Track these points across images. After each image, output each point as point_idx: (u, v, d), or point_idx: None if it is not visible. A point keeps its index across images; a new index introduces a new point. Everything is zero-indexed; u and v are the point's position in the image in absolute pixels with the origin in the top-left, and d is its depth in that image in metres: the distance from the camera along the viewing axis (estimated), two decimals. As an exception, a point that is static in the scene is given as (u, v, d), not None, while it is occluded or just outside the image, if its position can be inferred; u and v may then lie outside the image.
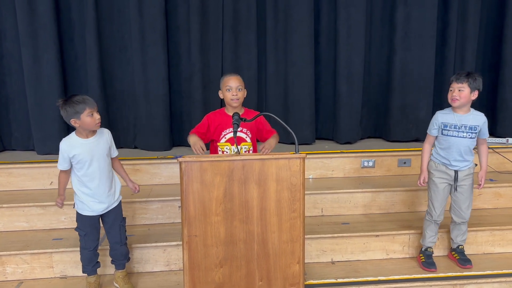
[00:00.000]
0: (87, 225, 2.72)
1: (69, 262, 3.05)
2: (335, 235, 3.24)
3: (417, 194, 3.65)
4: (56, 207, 3.34)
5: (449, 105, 2.97)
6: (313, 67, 4.43)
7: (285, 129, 2.47)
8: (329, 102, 4.62)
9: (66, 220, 3.37)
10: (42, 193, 3.61)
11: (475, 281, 2.99)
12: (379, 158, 4.01)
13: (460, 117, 2.91)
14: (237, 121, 2.61)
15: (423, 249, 3.15)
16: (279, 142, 4.46)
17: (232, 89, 2.84)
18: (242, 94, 2.88)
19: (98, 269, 2.87)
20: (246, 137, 2.91)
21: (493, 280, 3.00)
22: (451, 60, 4.55)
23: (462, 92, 2.83)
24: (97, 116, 2.59)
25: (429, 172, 3.05)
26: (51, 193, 3.59)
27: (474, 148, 2.99)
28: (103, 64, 4.20)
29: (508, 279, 3.01)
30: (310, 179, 3.90)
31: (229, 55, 4.33)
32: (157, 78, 4.21)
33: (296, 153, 2.32)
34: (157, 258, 3.13)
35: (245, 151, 2.88)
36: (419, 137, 4.56)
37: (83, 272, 2.84)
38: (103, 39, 4.18)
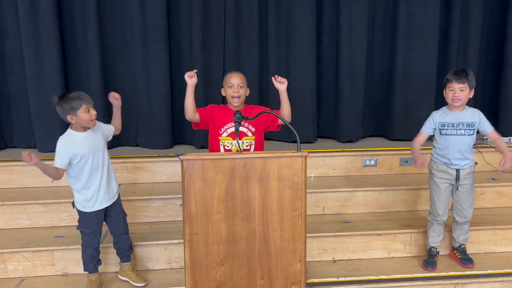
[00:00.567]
0: (92, 223, 2.72)
1: (71, 260, 3.05)
2: (337, 233, 3.24)
3: (418, 193, 3.64)
4: (57, 204, 3.37)
5: (444, 105, 2.98)
6: (315, 65, 4.43)
7: (287, 128, 2.47)
8: (331, 101, 4.62)
9: (68, 218, 3.37)
10: (43, 191, 3.61)
11: (476, 280, 2.98)
12: (381, 157, 4.01)
13: (456, 115, 2.90)
14: (239, 119, 2.60)
15: (427, 249, 3.15)
16: (280, 141, 4.52)
17: (234, 86, 2.85)
18: (244, 92, 2.88)
19: (99, 267, 2.87)
20: (247, 132, 2.91)
21: (495, 279, 3.00)
22: (453, 59, 4.54)
23: (463, 92, 2.83)
24: (93, 112, 2.60)
25: (430, 172, 3.04)
26: (52, 190, 3.59)
27: (474, 146, 2.99)
28: (104, 61, 4.20)
29: (510, 278, 3.00)
30: (312, 178, 3.90)
31: (231, 53, 4.32)
32: (158, 76, 4.21)
33: (298, 151, 2.31)
34: (158, 256, 3.13)
35: (246, 146, 2.88)
36: (421, 136, 4.54)
37: (85, 270, 2.85)
38: (105, 36, 4.18)
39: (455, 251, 3.17)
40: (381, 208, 3.64)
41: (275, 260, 2.37)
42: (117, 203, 2.83)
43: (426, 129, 2.97)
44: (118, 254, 2.93)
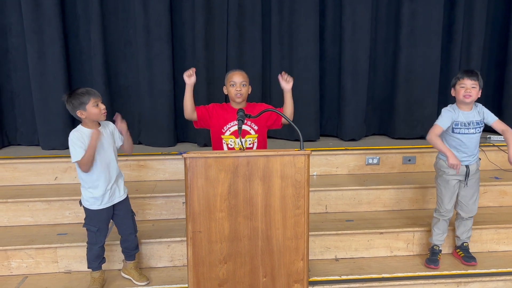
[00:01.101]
0: (99, 220, 2.73)
1: (74, 257, 3.06)
2: (339, 232, 3.24)
3: (421, 192, 3.64)
4: (61, 202, 3.38)
5: (452, 102, 2.97)
6: (318, 63, 4.42)
7: (289, 126, 2.47)
8: (333, 99, 4.61)
9: (71, 216, 3.38)
10: (47, 188, 3.62)
11: (479, 279, 2.98)
12: (384, 155, 4.00)
13: (467, 114, 2.91)
14: (242, 117, 2.61)
15: (430, 247, 3.15)
16: (283, 139, 4.51)
17: (236, 84, 2.85)
18: (246, 90, 2.89)
19: (102, 265, 2.88)
20: (250, 130, 2.91)
21: (498, 278, 2.99)
22: (457, 57, 4.52)
23: (474, 89, 2.84)
24: (102, 106, 2.62)
25: (439, 170, 3.02)
26: (56, 188, 3.60)
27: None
28: (107, 59, 4.20)
29: (512, 277, 3.00)
30: (314, 176, 3.90)
31: (234, 51, 4.32)
32: (161, 73, 4.21)
33: (301, 149, 2.31)
34: (161, 254, 3.14)
35: (249, 144, 2.88)
36: (424, 134, 4.48)
37: (89, 267, 2.85)
38: (108, 34, 4.18)
39: (458, 250, 3.17)
40: (384, 206, 3.63)
41: (277, 258, 2.38)
42: (125, 202, 2.84)
43: (444, 123, 2.90)
44: (123, 252, 2.94)
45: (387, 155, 4.01)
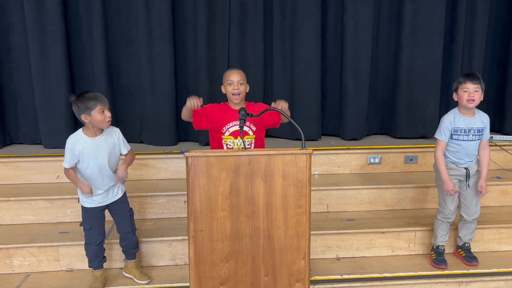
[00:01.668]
0: (92, 218, 2.74)
1: (76, 256, 3.07)
2: (341, 231, 3.24)
3: (423, 191, 3.64)
4: (62, 201, 3.39)
5: (454, 106, 2.97)
6: (320, 62, 4.42)
7: (291, 125, 2.47)
8: (335, 98, 4.61)
9: (73, 214, 3.39)
10: (49, 187, 3.63)
11: (481, 278, 2.98)
12: (386, 155, 4.00)
13: (468, 121, 2.89)
14: (244, 116, 2.61)
15: (434, 247, 3.14)
16: (284, 138, 4.52)
17: (234, 83, 2.86)
18: (244, 89, 2.89)
19: (104, 264, 2.89)
20: (249, 130, 2.91)
21: (499, 278, 2.99)
22: (458, 57, 4.52)
23: (477, 92, 2.82)
24: (107, 114, 2.59)
25: (439, 171, 3.02)
26: (57, 186, 3.61)
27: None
28: (110, 58, 4.21)
29: (514, 277, 3.00)
30: (316, 175, 3.90)
31: (236, 50, 4.32)
32: (163, 73, 4.22)
33: (302, 149, 2.31)
34: (162, 253, 3.14)
35: (248, 144, 2.89)
36: (426, 134, 4.54)
37: (89, 266, 2.86)
38: (110, 33, 4.19)
39: (459, 250, 3.17)
40: (385, 206, 3.63)
41: (279, 257, 2.38)
42: (123, 201, 2.84)
43: (445, 137, 2.91)
44: (123, 251, 2.94)
45: (389, 155, 4.01)
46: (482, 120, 2.92)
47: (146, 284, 2.89)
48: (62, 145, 4.06)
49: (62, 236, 3.16)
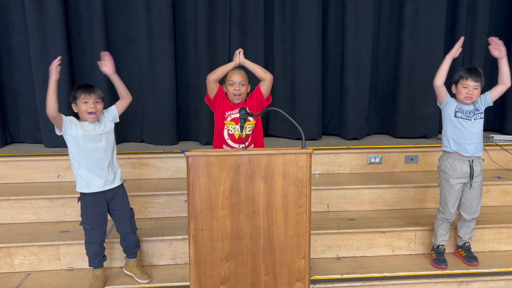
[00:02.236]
0: (94, 218, 2.74)
1: (76, 255, 3.07)
2: (341, 231, 3.24)
3: (423, 191, 3.64)
4: (63, 200, 3.39)
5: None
6: (321, 62, 4.42)
7: (292, 124, 2.47)
8: (336, 98, 4.61)
9: (73, 213, 3.39)
10: (49, 186, 3.63)
11: (481, 278, 2.98)
12: (386, 154, 4.00)
13: (468, 107, 2.91)
14: (244, 115, 2.61)
15: (434, 247, 3.14)
16: (285, 138, 4.51)
17: (235, 84, 2.87)
18: (245, 89, 2.91)
19: (104, 262, 2.89)
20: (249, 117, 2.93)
21: (500, 278, 2.99)
22: (460, 56, 4.44)
23: (477, 90, 2.84)
24: (91, 105, 2.61)
25: (444, 172, 3.00)
26: (58, 186, 3.62)
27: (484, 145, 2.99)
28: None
29: (514, 277, 3.00)
30: (316, 175, 3.90)
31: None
32: (164, 72, 4.22)
33: (303, 148, 2.31)
34: (163, 252, 3.14)
35: (249, 131, 2.92)
36: (426, 133, 4.53)
37: (90, 265, 2.87)
38: (110, 32, 4.19)
39: (460, 249, 3.17)
40: (386, 205, 3.63)
41: (279, 256, 2.38)
42: (123, 202, 2.83)
43: (449, 97, 2.93)
44: (124, 251, 2.94)
45: (389, 154, 4.01)
46: (480, 101, 2.92)
47: (146, 283, 2.90)
48: (62, 144, 4.05)
49: (63, 235, 3.16)
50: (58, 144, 4.12)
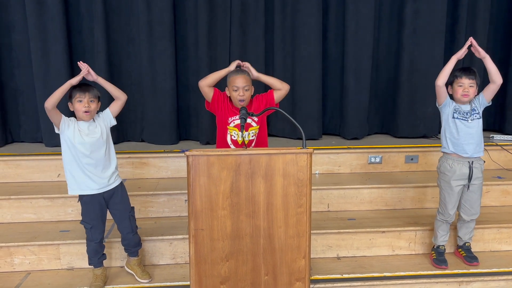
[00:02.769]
0: (93, 217, 2.74)
1: (76, 254, 3.07)
2: (341, 230, 3.24)
3: (423, 191, 3.64)
4: (63, 199, 3.39)
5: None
6: (321, 62, 4.42)
7: (292, 124, 2.47)
8: (336, 98, 4.61)
9: (73, 212, 3.39)
10: (50, 185, 3.64)
11: (481, 278, 2.98)
12: (386, 154, 4.00)
13: (464, 107, 2.92)
14: (244, 115, 2.60)
15: (435, 247, 3.14)
16: (285, 137, 4.51)
17: (239, 89, 2.83)
18: (249, 94, 2.87)
19: (104, 261, 2.89)
20: (252, 122, 2.91)
21: (500, 278, 2.99)
22: (460, 56, 4.50)
23: (472, 88, 2.85)
24: (85, 104, 2.63)
25: (443, 174, 3.00)
26: (58, 185, 3.61)
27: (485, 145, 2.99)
28: (110, 57, 4.21)
29: (514, 277, 3.00)
30: (317, 175, 3.90)
31: (237, 50, 4.32)
32: (164, 71, 4.22)
33: (303, 148, 2.31)
34: (163, 251, 3.14)
35: (252, 136, 2.90)
36: (427, 133, 4.53)
37: (89, 264, 2.87)
38: (111, 32, 4.19)
39: (460, 249, 3.17)
40: (386, 205, 3.63)
41: (279, 256, 2.38)
42: (121, 201, 2.83)
43: (448, 98, 2.94)
44: (125, 250, 2.95)
45: (390, 154, 4.01)
46: (475, 102, 2.93)
47: (146, 283, 2.90)
48: (63, 144, 4.10)
49: (63, 235, 3.16)
50: (58, 143, 4.05)
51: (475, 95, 2.92)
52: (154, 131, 4.34)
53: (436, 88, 2.93)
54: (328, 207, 3.61)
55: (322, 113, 4.55)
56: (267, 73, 4.43)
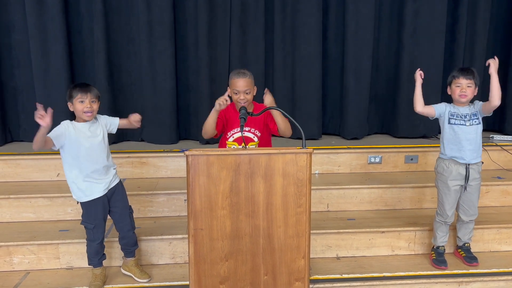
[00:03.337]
0: (96, 217, 2.73)
1: (76, 254, 3.07)
2: (341, 230, 3.24)
3: (423, 191, 3.63)
4: (63, 198, 3.39)
5: (450, 101, 2.97)
6: (321, 62, 4.42)
7: (292, 124, 2.46)
8: (336, 98, 4.61)
9: (73, 212, 3.39)
10: (49, 185, 3.63)
11: (481, 279, 2.98)
12: (386, 154, 4.00)
13: (462, 109, 2.91)
14: (244, 115, 2.60)
15: (434, 247, 3.14)
16: (284, 137, 4.49)
17: (240, 92, 2.81)
18: (250, 96, 2.84)
19: (103, 261, 2.89)
20: (253, 137, 2.90)
21: (499, 278, 2.99)
22: (460, 56, 4.51)
23: (470, 88, 2.84)
24: (87, 105, 2.61)
25: (440, 174, 3.00)
26: (58, 184, 3.61)
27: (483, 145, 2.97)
28: (110, 56, 4.21)
29: (514, 277, 2.99)
30: (316, 175, 3.90)
31: (237, 49, 4.32)
32: (164, 71, 4.22)
33: (303, 148, 2.31)
34: (162, 251, 3.14)
35: None
36: (427, 133, 4.53)
37: (89, 264, 2.87)
38: (111, 31, 4.19)
39: (459, 250, 3.17)
40: (386, 205, 3.63)
41: (279, 256, 2.38)
42: (122, 199, 2.83)
43: (437, 107, 2.93)
44: (122, 249, 2.94)
45: (389, 154, 4.01)
46: (475, 106, 2.92)
47: (146, 282, 2.90)
48: (62, 143, 4.10)
49: (62, 234, 3.16)
50: (58, 143, 4.13)
51: (474, 95, 2.90)
52: (153, 131, 4.34)
53: (419, 113, 2.94)
54: (328, 207, 3.60)
55: (322, 113, 4.55)
56: (267, 72, 4.45)
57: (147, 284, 2.89)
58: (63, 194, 3.39)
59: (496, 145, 4.05)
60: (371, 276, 2.98)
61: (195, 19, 4.24)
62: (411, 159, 4.00)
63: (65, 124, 2.67)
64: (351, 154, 3.99)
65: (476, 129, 2.89)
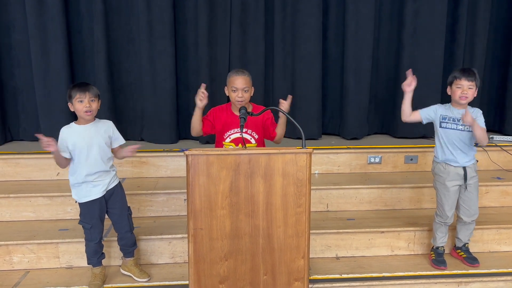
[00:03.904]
0: (93, 217, 2.74)
1: (75, 253, 3.07)
2: (340, 230, 3.24)
3: (423, 191, 3.64)
4: (62, 198, 3.39)
5: (449, 101, 2.96)
6: (321, 62, 4.41)
7: (292, 124, 2.47)
8: (336, 98, 4.61)
9: (73, 211, 3.39)
10: (49, 184, 3.63)
11: (480, 279, 2.98)
12: (386, 155, 4.00)
13: (458, 112, 2.88)
14: (244, 115, 2.60)
15: (434, 248, 3.14)
16: (285, 137, 4.49)
17: (238, 90, 2.80)
18: (248, 95, 2.83)
19: (103, 261, 2.89)
20: (251, 139, 2.90)
21: (499, 278, 2.99)
22: (460, 57, 4.51)
23: (471, 90, 2.82)
24: (86, 104, 2.61)
25: (438, 175, 3.00)
26: (58, 184, 3.61)
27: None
28: (110, 56, 4.21)
29: (513, 277, 3.00)
30: (316, 175, 3.90)
31: (237, 49, 4.32)
32: (164, 71, 4.22)
33: (302, 148, 2.31)
34: (162, 251, 3.14)
35: None
36: (426, 133, 4.53)
37: (88, 263, 2.87)
38: (111, 31, 4.19)
39: (458, 250, 3.17)
40: (385, 205, 3.63)
41: (278, 256, 2.38)
42: (120, 200, 2.83)
43: (423, 112, 2.96)
44: (121, 250, 2.94)
45: (389, 154, 4.01)
46: (473, 113, 2.86)
47: (145, 282, 2.90)
48: (62, 142, 4.10)
49: (62, 233, 3.16)
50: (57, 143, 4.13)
51: (474, 97, 2.89)
52: (153, 130, 4.34)
53: (407, 122, 2.96)
54: (327, 207, 3.60)
55: (321, 113, 4.55)
56: (266, 72, 4.45)
57: (146, 284, 2.89)
58: (63, 194, 3.40)
59: (496, 146, 4.05)
60: (371, 276, 2.98)
61: (195, 19, 4.24)
62: (411, 159, 4.00)
63: (63, 132, 2.68)
64: (351, 154, 3.99)
65: (468, 135, 2.87)
